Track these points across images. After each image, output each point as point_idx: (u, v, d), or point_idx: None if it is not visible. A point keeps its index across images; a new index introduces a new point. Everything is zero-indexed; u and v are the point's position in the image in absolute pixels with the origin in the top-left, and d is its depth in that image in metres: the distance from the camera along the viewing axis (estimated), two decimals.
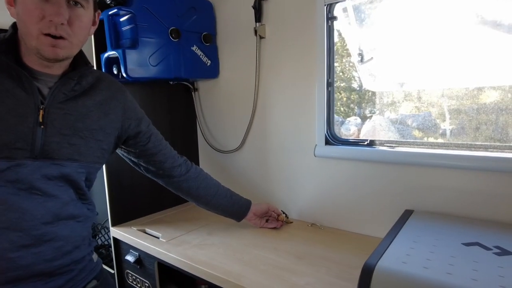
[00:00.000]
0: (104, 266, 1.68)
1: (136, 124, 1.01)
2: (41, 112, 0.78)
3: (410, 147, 1.16)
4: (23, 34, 0.77)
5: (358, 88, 1.52)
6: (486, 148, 1.02)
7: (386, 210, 1.21)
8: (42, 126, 0.78)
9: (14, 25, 0.79)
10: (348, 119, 1.55)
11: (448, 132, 1.32)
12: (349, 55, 1.44)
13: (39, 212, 0.78)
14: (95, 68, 1.34)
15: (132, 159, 1.11)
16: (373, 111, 1.49)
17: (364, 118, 1.52)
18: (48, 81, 0.81)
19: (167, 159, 1.13)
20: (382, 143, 1.22)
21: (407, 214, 1.06)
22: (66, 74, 0.84)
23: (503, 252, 0.78)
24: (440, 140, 1.22)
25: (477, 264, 0.72)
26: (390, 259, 0.75)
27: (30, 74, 0.79)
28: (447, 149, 1.09)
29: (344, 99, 1.50)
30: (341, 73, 1.42)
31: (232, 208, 1.28)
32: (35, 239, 0.78)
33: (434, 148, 1.11)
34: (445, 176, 1.08)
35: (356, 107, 1.54)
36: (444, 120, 1.31)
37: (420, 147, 1.14)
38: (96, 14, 0.87)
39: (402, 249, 0.80)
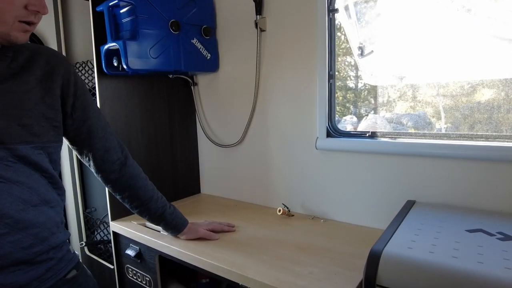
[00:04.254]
0: (103, 262, 1.67)
1: (72, 102, 0.92)
2: None
3: (412, 138, 1.17)
4: None
5: (354, 87, 1.52)
6: (486, 138, 1.03)
7: (387, 202, 1.21)
8: None
9: None
10: (344, 117, 1.56)
11: (443, 131, 1.33)
12: (344, 54, 1.45)
13: (7, 201, 0.76)
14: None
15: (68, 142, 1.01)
16: (368, 110, 1.50)
17: (360, 117, 1.53)
18: None
19: (100, 153, 1.02)
20: (383, 135, 1.23)
21: (409, 204, 1.07)
22: None
23: (506, 237, 0.79)
24: (440, 132, 1.23)
25: (481, 249, 0.73)
26: (396, 245, 0.76)
27: None
28: (448, 139, 1.10)
29: (340, 98, 1.51)
30: (336, 72, 1.42)
31: (160, 226, 1.21)
32: (10, 227, 0.76)
33: (435, 139, 1.12)
34: (446, 166, 1.09)
35: (352, 106, 1.55)
36: (439, 119, 1.32)
37: (421, 138, 1.15)
38: None
39: (407, 236, 0.81)
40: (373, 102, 1.51)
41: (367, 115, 1.49)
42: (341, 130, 1.33)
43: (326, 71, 1.29)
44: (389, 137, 1.21)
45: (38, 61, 0.85)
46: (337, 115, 1.40)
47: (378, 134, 1.24)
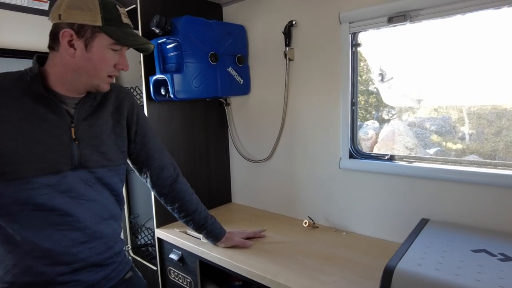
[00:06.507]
0: (146, 263, 1.88)
1: (135, 130, 1.12)
2: (73, 130, 0.94)
3: (427, 162, 1.30)
4: (84, 73, 0.91)
5: (375, 91, 1.60)
6: (495, 166, 1.15)
7: (404, 218, 1.34)
8: (76, 142, 0.95)
9: (37, 59, 0.92)
10: (366, 122, 1.65)
11: (467, 137, 1.41)
12: (366, 59, 1.54)
13: (88, 215, 0.97)
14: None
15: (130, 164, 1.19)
16: (391, 114, 1.57)
17: (382, 122, 1.62)
18: (72, 103, 0.95)
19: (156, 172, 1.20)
20: (401, 158, 1.36)
21: (422, 223, 1.20)
22: (86, 94, 0.99)
23: (506, 258, 0.91)
24: (453, 158, 1.34)
25: (482, 268, 0.86)
26: (408, 261, 0.90)
27: (58, 99, 0.92)
28: (460, 165, 1.22)
29: (362, 102, 1.58)
30: (359, 77, 1.47)
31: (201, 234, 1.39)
32: (89, 236, 0.97)
33: (448, 164, 1.24)
34: (458, 190, 1.21)
35: (374, 110, 1.64)
36: (463, 125, 1.39)
37: (435, 163, 1.28)
38: None
39: (417, 253, 0.95)
40: (395, 106, 1.57)
41: (389, 120, 1.57)
42: (363, 152, 1.47)
43: (349, 99, 1.43)
44: (406, 161, 1.34)
45: (110, 97, 1.06)
46: (359, 120, 1.51)
47: (396, 157, 1.37)
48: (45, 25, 0.93)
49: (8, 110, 0.86)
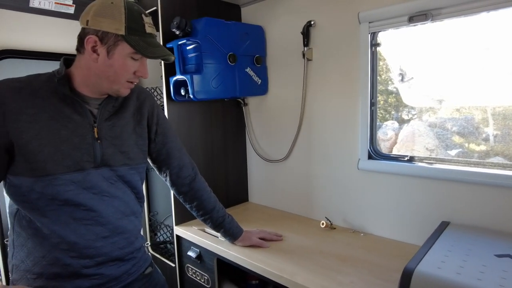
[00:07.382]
0: (165, 260, 1.92)
1: (155, 130, 1.15)
2: (95, 129, 0.98)
3: (448, 164, 1.27)
4: (105, 78, 0.94)
5: (395, 90, 1.57)
6: None
7: (423, 221, 1.32)
8: (98, 141, 0.98)
9: (64, 61, 0.97)
10: (385, 123, 1.63)
11: (491, 138, 1.37)
12: (385, 58, 1.52)
13: (110, 211, 1.00)
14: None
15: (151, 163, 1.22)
16: (411, 114, 1.53)
17: (401, 122, 1.59)
18: (95, 103, 0.99)
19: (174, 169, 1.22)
20: (421, 159, 1.33)
21: (443, 225, 1.17)
22: (108, 95, 1.02)
23: None
24: (476, 159, 1.30)
25: (506, 273, 0.84)
26: (427, 264, 0.88)
27: (82, 100, 0.96)
28: (484, 167, 1.19)
29: (381, 102, 1.56)
30: (378, 77, 1.46)
31: (219, 232, 1.41)
32: (111, 231, 1.01)
33: (471, 166, 1.21)
34: (481, 192, 1.18)
35: (393, 110, 1.61)
36: (487, 125, 1.35)
37: (457, 165, 1.25)
38: None
39: (438, 256, 0.93)
40: (416, 106, 1.54)
41: (409, 121, 1.54)
42: (382, 153, 1.45)
43: (368, 99, 1.42)
44: (426, 162, 1.31)
45: (131, 98, 1.10)
46: (378, 120, 1.49)
47: (416, 158, 1.35)
48: (71, 28, 0.97)
49: (38, 110, 0.90)
